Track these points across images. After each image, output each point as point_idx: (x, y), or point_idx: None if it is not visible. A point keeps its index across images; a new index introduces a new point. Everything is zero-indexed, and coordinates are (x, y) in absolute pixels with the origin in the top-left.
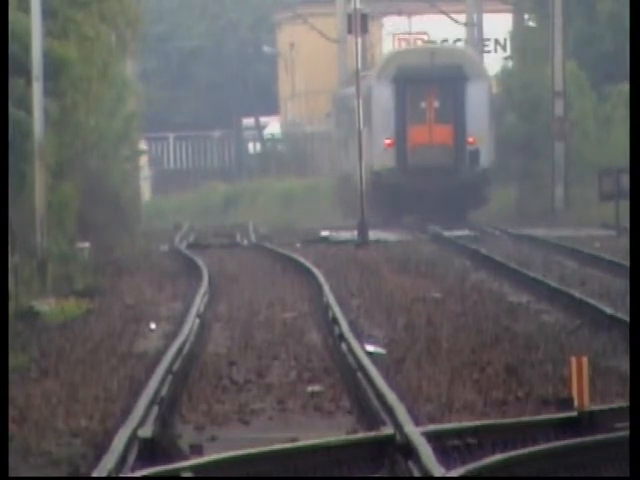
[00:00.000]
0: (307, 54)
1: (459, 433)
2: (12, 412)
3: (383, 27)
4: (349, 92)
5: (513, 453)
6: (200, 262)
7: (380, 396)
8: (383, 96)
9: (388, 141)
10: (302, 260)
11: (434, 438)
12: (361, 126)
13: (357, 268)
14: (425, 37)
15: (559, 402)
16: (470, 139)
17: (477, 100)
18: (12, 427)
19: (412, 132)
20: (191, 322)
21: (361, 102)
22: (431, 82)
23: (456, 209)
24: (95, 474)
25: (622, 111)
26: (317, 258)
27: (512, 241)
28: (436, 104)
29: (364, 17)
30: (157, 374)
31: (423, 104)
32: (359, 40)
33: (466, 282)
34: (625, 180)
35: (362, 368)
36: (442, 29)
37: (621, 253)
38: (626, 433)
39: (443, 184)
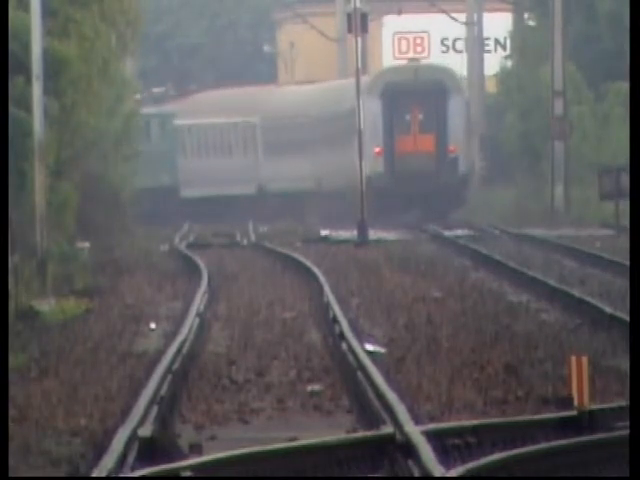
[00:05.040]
0: (307, 53)
1: (459, 432)
2: (12, 412)
3: (383, 26)
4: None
5: (513, 452)
6: (200, 262)
7: (380, 395)
8: (372, 109)
9: (377, 149)
10: (302, 259)
11: (434, 437)
12: (361, 128)
13: (357, 267)
14: (425, 36)
15: (559, 401)
16: (450, 147)
17: (456, 112)
18: (12, 427)
19: (399, 141)
20: (191, 322)
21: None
22: (415, 96)
23: (438, 209)
24: (95, 474)
25: (620, 110)
26: (317, 257)
27: (512, 241)
28: (420, 116)
29: (364, 16)
30: (157, 373)
31: (408, 116)
32: (359, 39)
33: (466, 281)
34: (625, 179)
35: (362, 367)
36: (442, 28)
37: (621, 252)
38: (626, 433)
39: (426, 187)
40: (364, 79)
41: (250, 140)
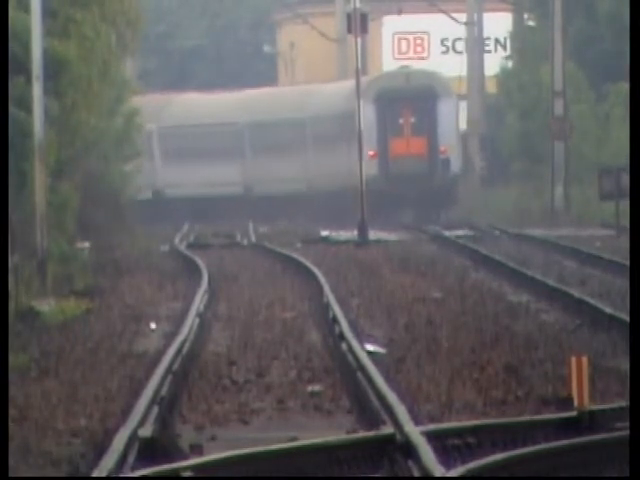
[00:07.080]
0: (307, 53)
1: (459, 433)
2: (12, 412)
3: (383, 26)
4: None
5: (513, 453)
6: (200, 262)
7: (380, 396)
8: (366, 114)
9: (372, 152)
10: (302, 260)
11: (434, 438)
12: (361, 129)
13: (357, 268)
14: (425, 37)
15: (559, 402)
16: (441, 149)
17: (447, 115)
18: (12, 427)
19: (392, 144)
20: (191, 322)
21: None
22: (407, 101)
23: (430, 209)
24: (95, 474)
25: (620, 110)
26: (317, 258)
27: (512, 241)
28: (412, 120)
29: (364, 17)
30: (157, 374)
31: (401, 120)
32: (359, 40)
33: (466, 282)
34: (625, 179)
35: (362, 368)
36: (442, 28)
37: (621, 252)
38: (626, 433)
39: (419, 188)
40: (340, 85)
41: (145, 146)
